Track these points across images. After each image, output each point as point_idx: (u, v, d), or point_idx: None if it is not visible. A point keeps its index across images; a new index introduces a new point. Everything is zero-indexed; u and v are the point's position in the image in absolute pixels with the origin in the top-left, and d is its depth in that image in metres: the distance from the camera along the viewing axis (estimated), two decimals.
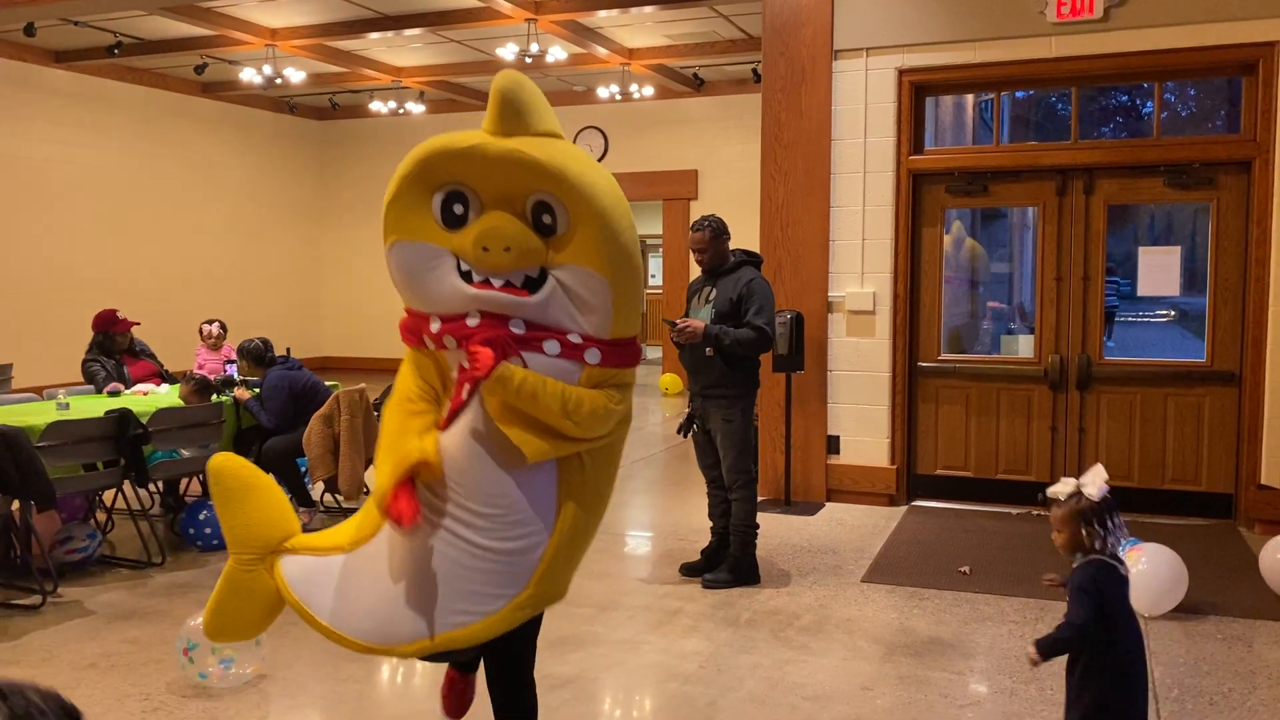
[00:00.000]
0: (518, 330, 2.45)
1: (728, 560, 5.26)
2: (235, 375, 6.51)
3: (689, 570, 5.38)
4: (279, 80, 12.15)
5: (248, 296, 14.78)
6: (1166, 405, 6.55)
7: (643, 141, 14.57)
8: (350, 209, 15.99)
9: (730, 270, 5.15)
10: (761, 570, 5.31)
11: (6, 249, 11.63)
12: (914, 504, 6.94)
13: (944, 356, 6.98)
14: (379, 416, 6.57)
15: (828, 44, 6.86)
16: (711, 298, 5.15)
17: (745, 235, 6.60)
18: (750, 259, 5.24)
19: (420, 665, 4.01)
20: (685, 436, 5.33)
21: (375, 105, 14.69)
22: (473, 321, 2.46)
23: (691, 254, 5.25)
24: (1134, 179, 6.60)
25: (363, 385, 6.43)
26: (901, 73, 6.77)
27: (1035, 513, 6.70)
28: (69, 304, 12.16)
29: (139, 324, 7.12)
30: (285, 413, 6.26)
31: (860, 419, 6.95)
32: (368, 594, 2.59)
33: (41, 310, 12.05)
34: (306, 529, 2.85)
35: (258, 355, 6.42)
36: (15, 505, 5.02)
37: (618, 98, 13.59)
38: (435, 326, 2.51)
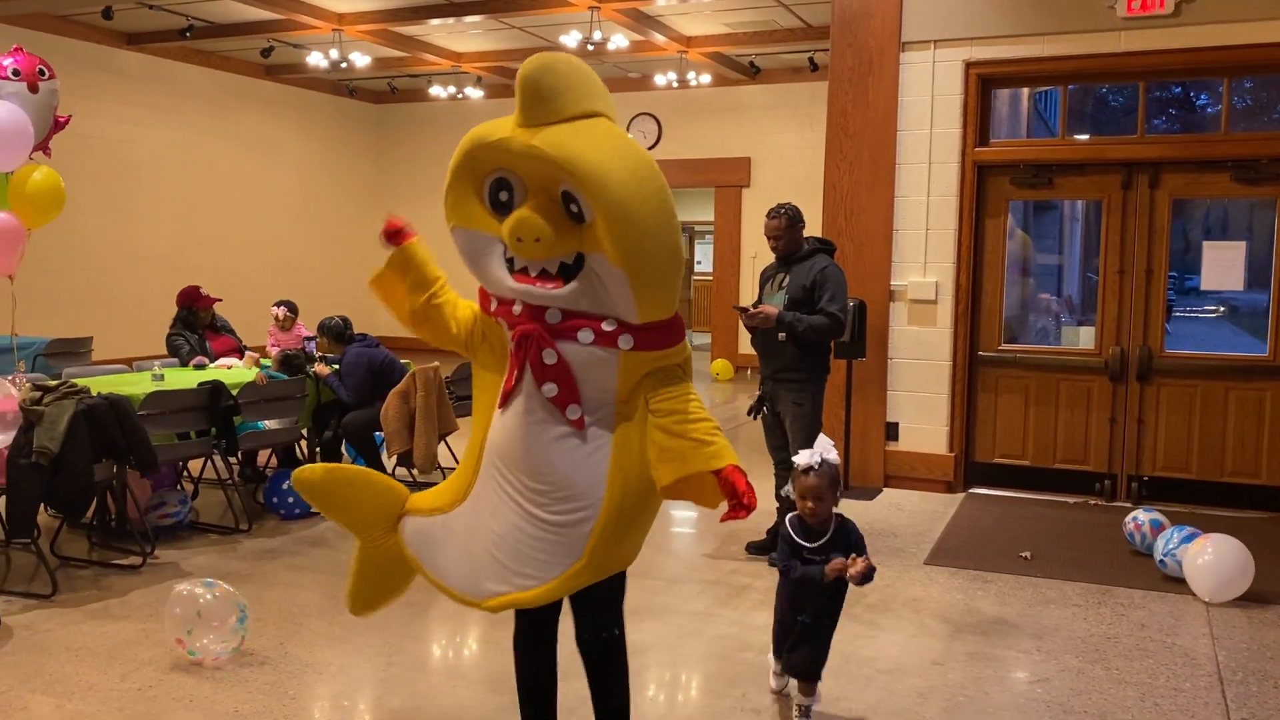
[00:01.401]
0: (553, 320, 2.60)
1: None
2: (314, 352, 6.74)
3: (755, 548, 5.54)
4: (344, 64, 12.40)
5: (306, 275, 15.08)
6: (1227, 399, 6.60)
7: (697, 129, 14.66)
8: (407, 192, 16.24)
9: (804, 257, 5.28)
10: None
11: (82, 226, 11.97)
12: (971, 491, 7.05)
13: (1004, 346, 7.07)
14: (452, 394, 6.80)
15: (896, 35, 6.96)
16: (785, 284, 5.28)
17: None
18: (824, 246, 5.36)
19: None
20: (755, 418, 5.48)
21: (434, 90, 14.90)
22: (517, 309, 2.65)
23: (766, 240, 5.38)
24: (1200, 174, 6.64)
25: (436, 364, 6.63)
26: (969, 65, 6.85)
27: (1093, 502, 6.79)
28: (141, 280, 12.54)
29: (220, 300, 7.38)
30: (363, 388, 6.49)
31: (919, 406, 7.07)
32: (458, 552, 2.83)
33: (114, 285, 12.42)
34: None
35: (338, 333, 6.65)
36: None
37: (674, 85, 13.68)
38: (493, 306, 2.75)
